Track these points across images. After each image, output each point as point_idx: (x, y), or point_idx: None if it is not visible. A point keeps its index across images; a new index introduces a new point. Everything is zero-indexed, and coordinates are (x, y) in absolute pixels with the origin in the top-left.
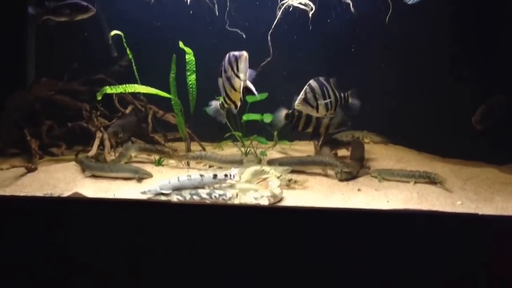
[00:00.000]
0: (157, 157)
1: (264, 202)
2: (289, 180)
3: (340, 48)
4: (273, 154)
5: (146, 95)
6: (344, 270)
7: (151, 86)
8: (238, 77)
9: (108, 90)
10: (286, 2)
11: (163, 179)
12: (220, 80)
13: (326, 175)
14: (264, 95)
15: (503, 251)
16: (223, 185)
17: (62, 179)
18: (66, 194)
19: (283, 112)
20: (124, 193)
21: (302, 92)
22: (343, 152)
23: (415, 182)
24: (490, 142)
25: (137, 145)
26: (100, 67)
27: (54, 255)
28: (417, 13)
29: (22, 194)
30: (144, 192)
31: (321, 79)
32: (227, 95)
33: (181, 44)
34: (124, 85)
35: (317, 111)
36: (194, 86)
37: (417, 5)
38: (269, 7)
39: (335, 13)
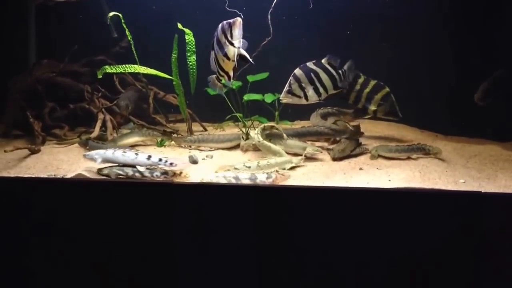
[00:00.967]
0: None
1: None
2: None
3: (342, 26)
4: None
5: (146, 76)
6: (346, 249)
7: (152, 67)
8: (232, 44)
9: (108, 69)
10: None
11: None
12: (212, 53)
13: (328, 151)
14: (265, 75)
15: (506, 229)
16: None
17: (65, 161)
18: (69, 175)
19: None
20: None
21: (287, 84)
22: None
23: (414, 158)
24: (494, 118)
25: (139, 131)
26: (101, 48)
27: (58, 235)
28: None
29: (26, 175)
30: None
31: (309, 64)
32: (220, 67)
33: (180, 25)
34: (123, 65)
35: (307, 99)
36: (194, 67)
37: None
38: None
39: None
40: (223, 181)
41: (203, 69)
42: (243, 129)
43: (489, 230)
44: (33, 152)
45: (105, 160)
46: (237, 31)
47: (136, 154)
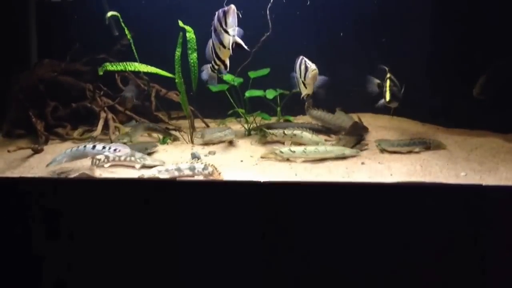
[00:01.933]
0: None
1: None
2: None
3: (341, 21)
4: None
5: (147, 74)
6: (348, 244)
7: (154, 64)
8: (227, 32)
9: (109, 67)
10: None
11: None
12: (209, 42)
13: None
14: (266, 71)
15: (507, 222)
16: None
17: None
18: (73, 174)
19: (375, 81)
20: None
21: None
22: None
23: (416, 151)
24: (495, 110)
25: (143, 125)
26: (102, 46)
27: (62, 235)
28: None
29: (29, 175)
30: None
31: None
32: (216, 55)
33: (180, 23)
34: (124, 63)
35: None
36: (195, 65)
37: None
38: None
39: None
40: (165, 175)
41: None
42: (245, 125)
43: (491, 223)
44: (36, 151)
45: (68, 158)
46: (231, 19)
47: (85, 146)
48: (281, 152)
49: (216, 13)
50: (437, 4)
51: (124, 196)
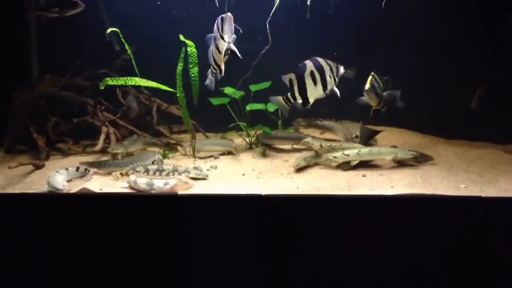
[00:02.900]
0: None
1: None
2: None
3: (341, 33)
4: None
5: (148, 88)
6: (350, 257)
7: (155, 77)
8: (222, 38)
9: (109, 81)
10: None
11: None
12: (211, 47)
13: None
14: (267, 84)
15: (507, 233)
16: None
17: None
18: (74, 190)
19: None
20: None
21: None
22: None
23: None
24: (494, 121)
25: (143, 139)
26: (103, 61)
27: (63, 250)
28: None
29: (31, 191)
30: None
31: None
32: (214, 60)
33: (181, 37)
34: (125, 78)
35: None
36: (197, 79)
37: None
38: None
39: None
40: (125, 185)
41: (205, 80)
42: (247, 139)
43: (490, 234)
44: (38, 167)
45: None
46: (227, 26)
47: (67, 169)
48: (335, 157)
49: (217, 19)
50: (437, 17)
51: (126, 211)
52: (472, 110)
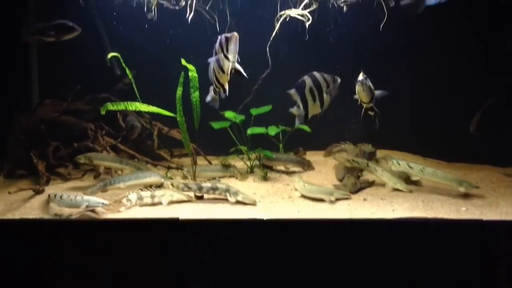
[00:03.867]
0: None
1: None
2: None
3: (341, 57)
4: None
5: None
6: (352, 281)
7: (156, 103)
8: (227, 58)
9: (110, 106)
10: (284, 14)
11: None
12: (211, 65)
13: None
14: (268, 108)
15: (508, 256)
16: None
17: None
18: (74, 215)
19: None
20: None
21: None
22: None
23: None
24: (494, 144)
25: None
26: (104, 85)
27: (63, 275)
28: (419, 20)
29: (31, 216)
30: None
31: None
32: (217, 79)
33: (183, 61)
34: (125, 103)
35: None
36: (198, 103)
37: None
38: (269, 20)
39: (335, 23)
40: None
41: (207, 104)
42: (248, 163)
43: (491, 257)
44: (37, 192)
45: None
46: (233, 46)
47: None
48: (398, 163)
49: (219, 37)
50: (436, 41)
51: (125, 236)
52: (472, 134)
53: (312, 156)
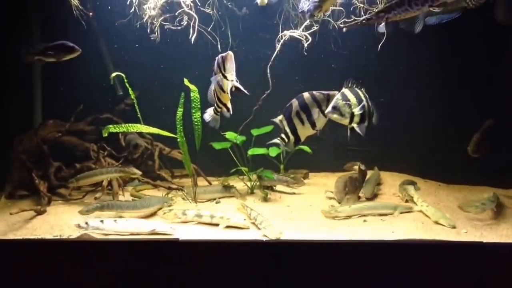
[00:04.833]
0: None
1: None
2: None
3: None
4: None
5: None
6: None
7: (159, 122)
8: (225, 77)
9: (112, 129)
10: (285, 35)
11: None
12: (211, 86)
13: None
14: (269, 128)
15: (507, 278)
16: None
17: (71, 221)
18: (75, 236)
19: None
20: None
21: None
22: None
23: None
24: (493, 166)
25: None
26: (106, 105)
27: None
28: (416, 43)
29: (32, 237)
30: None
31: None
32: (218, 99)
33: (186, 82)
34: (127, 125)
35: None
36: (199, 123)
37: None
38: (271, 40)
39: (335, 44)
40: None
41: (208, 125)
42: (248, 183)
43: (491, 280)
44: (39, 213)
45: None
46: (229, 64)
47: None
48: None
49: (216, 58)
50: (437, 62)
51: (126, 257)
52: (471, 156)
53: (312, 178)
